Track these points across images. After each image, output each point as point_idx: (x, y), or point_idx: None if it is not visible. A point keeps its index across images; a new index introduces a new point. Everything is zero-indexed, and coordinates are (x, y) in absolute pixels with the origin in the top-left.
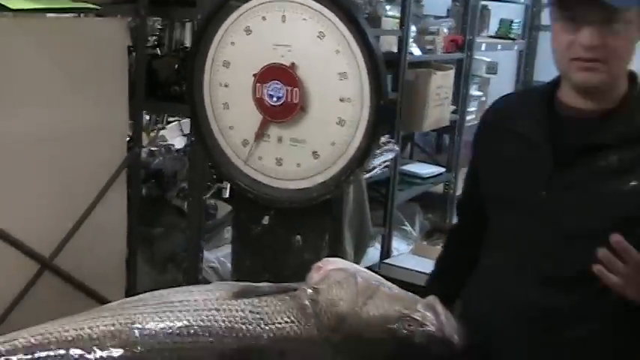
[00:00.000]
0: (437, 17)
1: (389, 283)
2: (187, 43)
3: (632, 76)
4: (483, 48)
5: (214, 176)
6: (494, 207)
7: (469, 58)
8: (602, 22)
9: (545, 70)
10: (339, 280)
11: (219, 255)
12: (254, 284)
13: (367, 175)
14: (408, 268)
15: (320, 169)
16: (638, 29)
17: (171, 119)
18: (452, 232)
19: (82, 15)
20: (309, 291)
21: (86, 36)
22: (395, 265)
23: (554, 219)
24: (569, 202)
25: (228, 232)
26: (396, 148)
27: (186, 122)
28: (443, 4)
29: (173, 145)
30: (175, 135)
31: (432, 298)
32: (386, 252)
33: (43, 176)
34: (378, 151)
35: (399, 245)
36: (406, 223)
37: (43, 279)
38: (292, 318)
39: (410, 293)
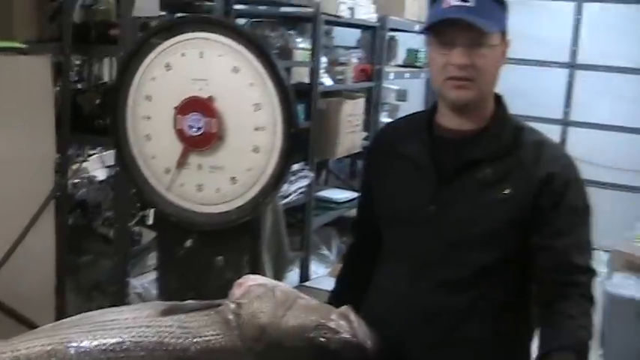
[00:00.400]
0: (347, 48)
1: (306, 296)
2: (106, 78)
3: (497, 98)
4: (392, 77)
5: (138, 204)
6: (389, 223)
7: (378, 86)
8: (470, 44)
9: None
10: (259, 294)
11: (143, 281)
12: (180, 302)
13: (284, 201)
14: (326, 290)
15: (238, 193)
16: (501, 53)
17: (91, 152)
18: (348, 252)
19: (9, 53)
20: (232, 305)
21: (13, 73)
22: (313, 288)
23: (443, 229)
24: (455, 213)
25: (151, 259)
26: (311, 174)
27: (107, 154)
28: (353, 35)
29: (96, 176)
30: (97, 167)
31: (345, 308)
32: (305, 275)
33: None
34: (293, 178)
35: (317, 268)
36: (323, 246)
37: None
38: (217, 331)
39: (325, 304)
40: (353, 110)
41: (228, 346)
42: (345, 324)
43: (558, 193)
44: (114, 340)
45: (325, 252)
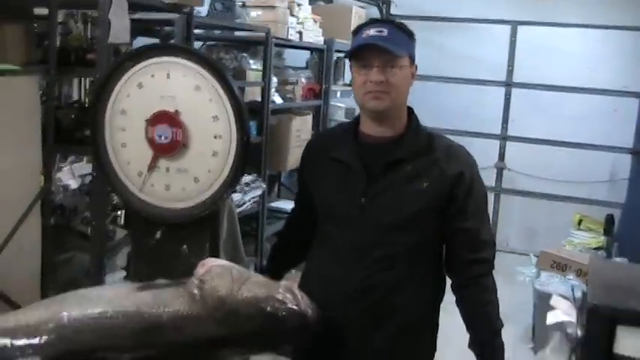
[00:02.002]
0: (297, 68)
1: (258, 275)
2: (75, 96)
3: (409, 110)
4: (339, 95)
5: (111, 206)
6: (326, 216)
7: (326, 104)
8: (384, 65)
9: None
10: (219, 272)
11: (115, 278)
12: (152, 282)
13: (239, 210)
14: None
15: (200, 191)
16: (410, 74)
17: (61, 165)
18: (279, 236)
19: (6, 75)
20: (196, 281)
21: (6, 91)
22: None
23: (374, 216)
24: (383, 204)
25: (120, 259)
26: (263, 185)
27: (76, 166)
28: (302, 56)
29: (69, 184)
30: (68, 177)
31: (289, 283)
32: None
33: None
34: (247, 189)
35: None
36: None
37: None
38: (184, 302)
39: (273, 281)
40: (301, 126)
41: (193, 314)
42: (291, 296)
43: (468, 184)
44: (99, 310)
45: None
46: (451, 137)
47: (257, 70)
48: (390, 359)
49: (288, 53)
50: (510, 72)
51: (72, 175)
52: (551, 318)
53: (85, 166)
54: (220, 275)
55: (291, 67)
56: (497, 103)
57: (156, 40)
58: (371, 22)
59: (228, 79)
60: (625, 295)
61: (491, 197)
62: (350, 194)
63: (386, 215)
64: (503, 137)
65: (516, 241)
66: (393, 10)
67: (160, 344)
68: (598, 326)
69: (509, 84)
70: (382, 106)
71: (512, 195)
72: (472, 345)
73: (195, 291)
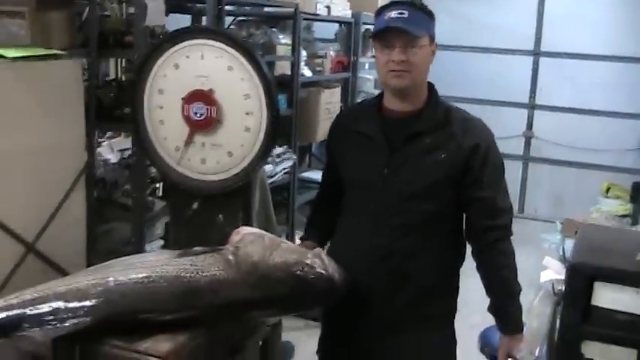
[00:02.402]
0: (325, 40)
1: (288, 242)
2: (112, 75)
3: (430, 85)
4: (367, 67)
5: (149, 179)
6: (352, 186)
7: (354, 76)
8: (405, 45)
9: None
10: (252, 239)
11: (154, 247)
12: (190, 249)
13: (271, 180)
14: None
15: (233, 164)
16: (430, 52)
17: (100, 140)
18: (314, 204)
19: (49, 59)
20: (231, 248)
21: (53, 74)
22: None
23: (396, 186)
24: (404, 173)
25: (158, 229)
26: (294, 156)
27: (115, 141)
28: (331, 28)
29: (109, 159)
30: (108, 152)
31: (318, 250)
32: None
33: (27, 179)
34: (278, 160)
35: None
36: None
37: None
38: (220, 267)
39: (303, 248)
40: (330, 98)
41: (228, 278)
42: (319, 261)
43: (484, 155)
44: (142, 275)
45: None
46: (479, 107)
47: (286, 44)
48: (410, 319)
49: (317, 26)
50: (538, 41)
51: (111, 149)
52: (544, 277)
53: (122, 141)
54: (253, 242)
55: (320, 40)
56: (525, 72)
57: (188, 17)
58: (392, 4)
59: (258, 60)
60: (604, 255)
61: (519, 166)
62: (373, 165)
63: (405, 186)
64: (532, 106)
65: (544, 208)
66: None
67: (198, 307)
68: (577, 282)
69: (537, 53)
70: (404, 83)
71: (540, 163)
72: (491, 308)
73: (230, 257)
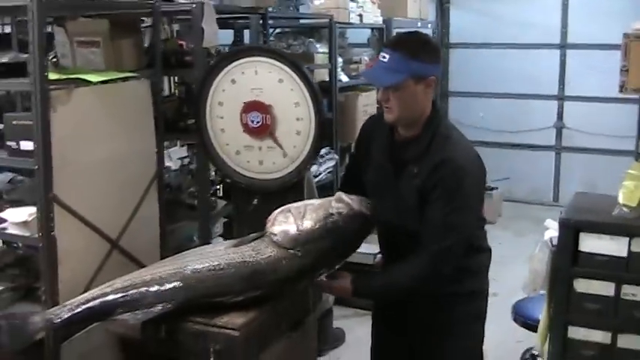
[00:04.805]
0: (358, 45)
1: (311, 201)
2: (165, 91)
3: (433, 112)
4: None
5: (211, 181)
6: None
7: None
8: (386, 88)
9: (457, 81)
10: (281, 218)
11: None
12: (244, 237)
13: (316, 180)
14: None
15: (288, 164)
16: (416, 89)
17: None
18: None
19: (124, 80)
20: (270, 230)
21: (129, 93)
22: None
23: (396, 198)
24: (399, 192)
25: (218, 227)
26: (336, 156)
27: (172, 150)
28: (364, 33)
29: (170, 166)
30: (167, 161)
31: (337, 194)
32: None
33: (109, 185)
34: (322, 160)
35: None
36: None
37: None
38: (273, 249)
39: (325, 199)
40: (367, 101)
41: (281, 256)
42: (343, 205)
43: (440, 176)
44: (214, 263)
45: None
46: (511, 101)
47: (323, 52)
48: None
49: (351, 31)
50: (564, 34)
51: (169, 158)
52: (546, 235)
53: (178, 151)
54: (284, 220)
55: (354, 45)
56: (553, 65)
57: (231, 32)
58: (384, 45)
59: (305, 72)
60: (589, 212)
61: (552, 156)
62: (382, 178)
63: (402, 199)
64: (560, 97)
65: None
66: None
67: (263, 285)
68: (566, 233)
69: (563, 45)
70: (390, 118)
71: (572, 153)
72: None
73: (274, 238)
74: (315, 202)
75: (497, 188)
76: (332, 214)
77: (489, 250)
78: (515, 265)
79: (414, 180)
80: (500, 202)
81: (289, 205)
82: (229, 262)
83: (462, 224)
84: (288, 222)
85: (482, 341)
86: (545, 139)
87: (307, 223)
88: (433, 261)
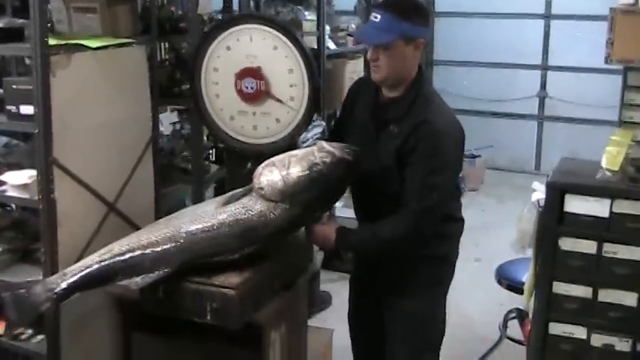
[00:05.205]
0: (345, 13)
1: (294, 152)
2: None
3: (418, 74)
4: None
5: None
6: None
7: None
8: (376, 46)
9: (442, 50)
10: (266, 172)
11: None
12: (229, 193)
13: (304, 146)
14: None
15: (281, 129)
16: (405, 50)
17: None
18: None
19: (119, 46)
20: (257, 184)
21: (126, 59)
22: None
23: (375, 158)
24: (380, 150)
25: (208, 192)
26: (323, 123)
27: (163, 116)
28: (350, 2)
29: (162, 131)
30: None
31: (319, 142)
32: None
33: (106, 149)
34: (309, 127)
35: None
36: None
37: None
38: (261, 203)
39: (307, 149)
40: (354, 69)
41: (270, 208)
42: (325, 154)
43: (419, 137)
44: (207, 224)
45: None
46: (495, 70)
47: (311, 20)
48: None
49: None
50: (549, 4)
51: (161, 123)
52: (533, 197)
53: (169, 116)
54: (269, 173)
55: (341, 12)
56: (537, 35)
57: None
58: (375, 6)
59: (299, 40)
60: (574, 175)
61: (534, 125)
62: (363, 135)
63: (380, 160)
64: (544, 67)
65: None
66: None
67: (256, 240)
68: (553, 195)
69: (547, 16)
70: (377, 77)
71: (554, 122)
72: (358, 228)
73: (261, 192)
74: (299, 152)
75: (480, 156)
76: (316, 164)
77: (462, 220)
78: (498, 230)
79: (394, 140)
80: (484, 170)
81: (273, 158)
82: (222, 222)
83: (442, 184)
84: (274, 175)
85: (444, 308)
86: (528, 108)
87: (292, 174)
88: (415, 220)
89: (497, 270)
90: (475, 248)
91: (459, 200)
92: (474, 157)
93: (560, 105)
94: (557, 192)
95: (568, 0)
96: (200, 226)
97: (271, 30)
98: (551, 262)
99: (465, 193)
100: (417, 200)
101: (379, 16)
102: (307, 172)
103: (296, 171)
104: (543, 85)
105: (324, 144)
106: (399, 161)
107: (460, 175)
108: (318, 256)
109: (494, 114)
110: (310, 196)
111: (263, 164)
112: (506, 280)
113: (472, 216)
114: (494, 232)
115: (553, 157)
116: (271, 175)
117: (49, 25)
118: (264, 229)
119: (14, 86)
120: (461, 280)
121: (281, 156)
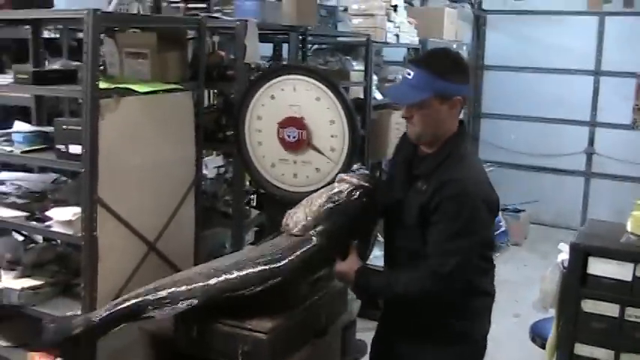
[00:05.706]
0: (394, 63)
1: (317, 192)
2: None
3: (460, 127)
4: None
5: (245, 191)
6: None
7: None
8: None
9: (490, 103)
10: (293, 212)
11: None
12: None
13: None
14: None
15: (320, 178)
16: (437, 108)
17: None
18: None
19: (169, 92)
20: (284, 226)
21: (173, 104)
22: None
23: (400, 214)
24: (406, 206)
25: (248, 236)
26: (366, 172)
27: (208, 159)
28: (400, 52)
29: (206, 174)
30: (204, 169)
31: (339, 175)
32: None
33: (150, 189)
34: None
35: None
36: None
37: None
38: (288, 239)
39: (328, 186)
40: (400, 119)
41: (297, 243)
42: (345, 184)
43: (444, 196)
44: (235, 260)
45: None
46: (542, 124)
47: (359, 70)
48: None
49: (387, 49)
50: (599, 61)
51: (206, 166)
52: (559, 258)
53: (214, 159)
54: (296, 212)
55: (390, 62)
56: (586, 91)
57: (270, 45)
58: (410, 62)
59: (341, 92)
60: (598, 238)
61: (581, 181)
62: (392, 194)
63: (406, 217)
64: (592, 123)
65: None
66: (485, 6)
67: (279, 273)
68: (576, 257)
69: (597, 72)
70: (412, 135)
71: (600, 179)
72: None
73: (288, 230)
74: (322, 189)
75: (524, 210)
76: (335, 194)
77: (491, 295)
78: (539, 286)
79: (420, 197)
80: (527, 224)
81: (302, 202)
82: (248, 258)
83: (465, 250)
84: (299, 213)
85: None
86: (575, 164)
87: (314, 208)
88: (432, 284)
89: (532, 327)
90: (515, 304)
91: (488, 273)
92: (518, 211)
93: (607, 162)
94: (580, 253)
95: (618, 57)
96: (227, 263)
97: (314, 81)
98: (573, 323)
99: (508, 247)
100: (437, 264)
101: (412, 73)
102: (327, 202)
103: (318, 204)
104: (591, 142)
105: (343, 175)
106: (422, 219)
107: (504, 228)
108: (355, 305)
109: (541, 169)
110: (333, 226)
111: (293, 207)
112: (540, 339)
113: (513, 271)
114: (535, 288)
115: (599, 214)
116: (297, 214)
117: (101, 67)
118: (289, 262)
119: (64, 127)
120: (497, 335)
121: (308, 197)
